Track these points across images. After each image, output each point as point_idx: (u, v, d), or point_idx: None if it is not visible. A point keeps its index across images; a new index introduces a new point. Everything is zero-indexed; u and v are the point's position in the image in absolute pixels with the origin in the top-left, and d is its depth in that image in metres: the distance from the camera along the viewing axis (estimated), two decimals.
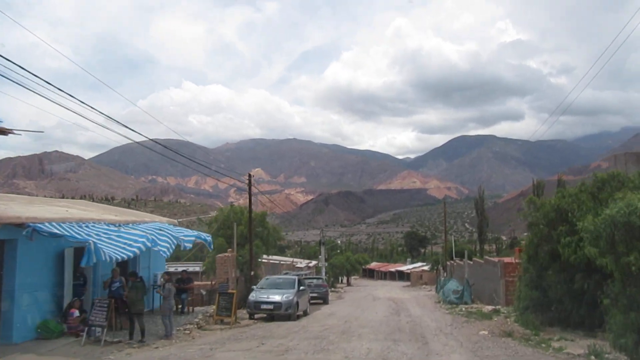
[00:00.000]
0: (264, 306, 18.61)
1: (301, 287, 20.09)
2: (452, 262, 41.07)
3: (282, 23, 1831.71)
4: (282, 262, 45.27)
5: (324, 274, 50.09)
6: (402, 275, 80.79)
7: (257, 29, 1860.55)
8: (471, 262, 31.39)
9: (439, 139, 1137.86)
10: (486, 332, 14.30)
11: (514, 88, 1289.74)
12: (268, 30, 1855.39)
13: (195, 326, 15.73)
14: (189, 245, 16.43)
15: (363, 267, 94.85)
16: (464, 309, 22.28)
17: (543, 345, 11.82)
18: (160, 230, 15.27)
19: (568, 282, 13.30)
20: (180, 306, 18.18)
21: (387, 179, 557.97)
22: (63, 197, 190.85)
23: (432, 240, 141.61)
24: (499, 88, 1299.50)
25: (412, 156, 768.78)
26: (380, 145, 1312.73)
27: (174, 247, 15.04)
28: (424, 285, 58.53)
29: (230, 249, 25.59)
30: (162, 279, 15.12)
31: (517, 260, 20.23)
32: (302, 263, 52.74)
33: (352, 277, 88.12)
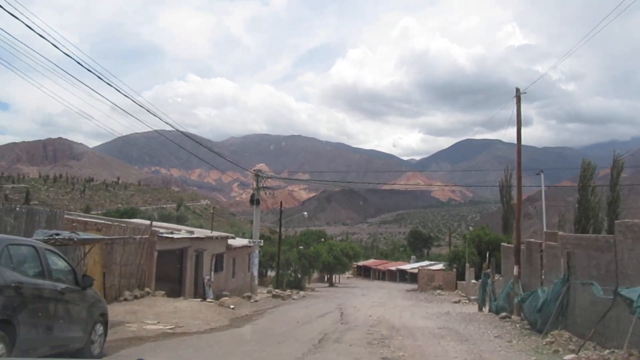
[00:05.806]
0: None
1: None
2: (552, 243, 14.87)
3: (288, 18, 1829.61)
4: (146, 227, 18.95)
5: (256, 262, 26.59)
6: (404, 276, 73.22)
7: (263, 24, 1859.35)
8: None
9: (445, 142, 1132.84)
10: None
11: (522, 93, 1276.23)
12: (275, 25, 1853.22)
13: None
14: None
15: (356, 263, 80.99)
16: None
17: None
18: None
19: None
20: None
21: (391, 179, 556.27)
22: (67, 181, 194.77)
23: (435, 242, 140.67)
24: (506, 92, 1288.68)
25: (417, 157, 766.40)
26: (385, 146, 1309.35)
27: None
28: (438, 291, 44.19)
29: None
30: None
31: None
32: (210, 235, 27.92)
33: (346, 276, 76.54)
